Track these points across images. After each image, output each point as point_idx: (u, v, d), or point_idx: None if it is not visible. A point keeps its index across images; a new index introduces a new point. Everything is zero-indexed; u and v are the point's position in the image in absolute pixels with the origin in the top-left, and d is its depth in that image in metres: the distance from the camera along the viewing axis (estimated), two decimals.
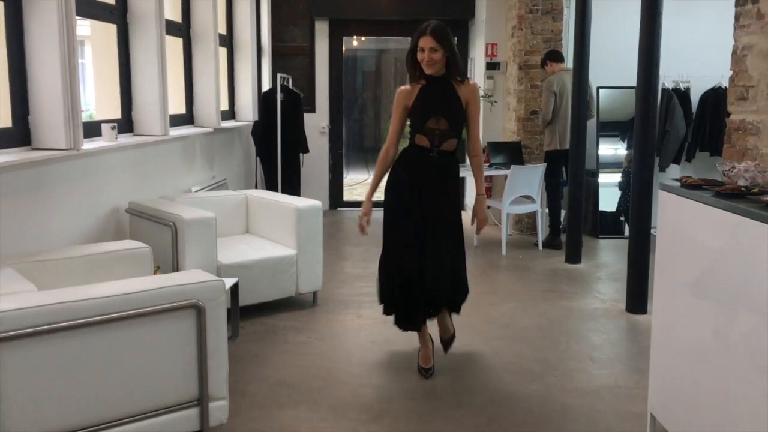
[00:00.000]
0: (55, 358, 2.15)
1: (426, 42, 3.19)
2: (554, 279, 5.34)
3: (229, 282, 3.63)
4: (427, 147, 3.31)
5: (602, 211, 6.84)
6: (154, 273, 3.35)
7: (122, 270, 2.96)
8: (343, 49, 8.06)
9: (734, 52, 2.90)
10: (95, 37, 4.39)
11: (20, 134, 3.25)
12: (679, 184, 2.62)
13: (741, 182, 2.51)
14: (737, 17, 2.88)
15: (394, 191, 3.41)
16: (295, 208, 4.35)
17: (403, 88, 3.37)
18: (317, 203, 4.50)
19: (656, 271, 2.75)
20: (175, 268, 3.80)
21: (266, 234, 4.66)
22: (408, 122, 3.42)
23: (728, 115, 2.94)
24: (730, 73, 2.93)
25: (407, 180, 3.36)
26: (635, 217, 4.42)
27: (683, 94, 6.63)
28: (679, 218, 2.53)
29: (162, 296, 2.37)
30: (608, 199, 6.85)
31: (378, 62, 13.33)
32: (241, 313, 3.92)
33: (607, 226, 6.81)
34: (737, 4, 2.88)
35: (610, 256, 6.15)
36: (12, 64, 3.19)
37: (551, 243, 6.27)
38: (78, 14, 3.88)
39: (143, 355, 2.36)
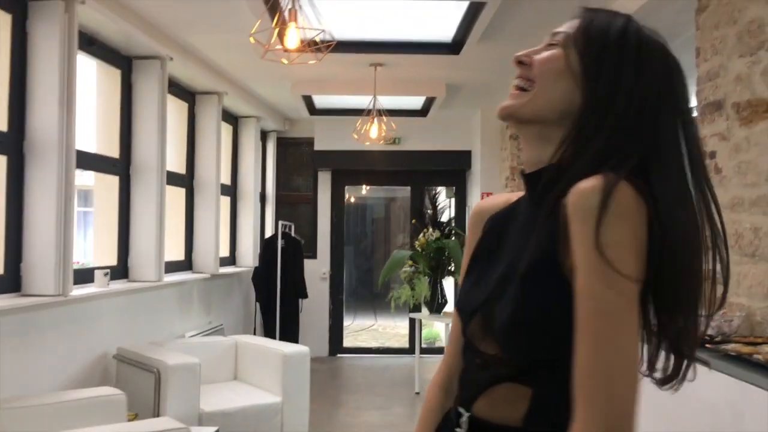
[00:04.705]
0: None
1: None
2: None
3: (208, 431, 3.58)
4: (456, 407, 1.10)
5: None
6: (130, 420, 3.32)
7: (95, 417, 2.94)
8: (352, 198, 8.28)
9: None
10: (98, 188, 4.61)
11: (11, 281, 3.36)
12: None
13: (709, 331, 2.52)
14: None
15: None
16: (281, 353, 4.35)
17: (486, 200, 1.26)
18: (305, 349, 4.50)
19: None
20: (156, 415, 3.76)
21: (254, 381, 4.62)
22: None
23: None
24: None
25: None
26: None
27: None
28: None
29: None
30: None
31: (387, 210, 13.73)
32: None
33: None
34: None
35: None
36: (9, 213, 3.35)
37: None
38: (82, 167, 4.13)
39: None
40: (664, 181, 0.94)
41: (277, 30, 2.66)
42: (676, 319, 0.96)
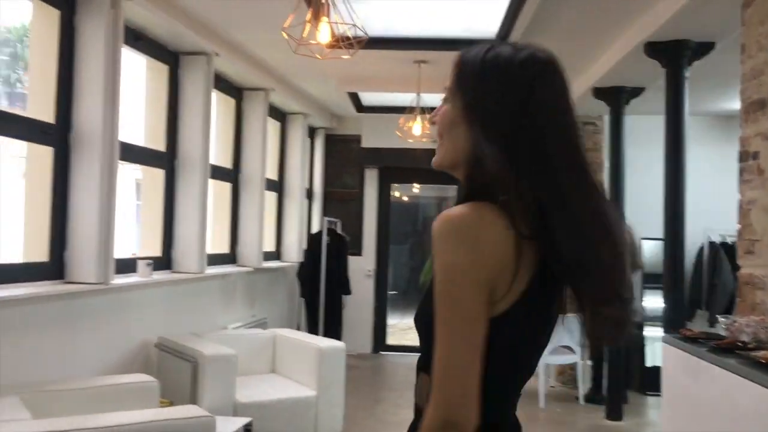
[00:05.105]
0: None
1: None
2: None
3: (240, 421, 3.63)
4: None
5: (650, 367, 6.54)
6: (162, 407, 3.38)
7: (127, 403, 3.01)
8: (405, 197, 8.23)
9: (740, 206, 2.89)
10: (145, 181, 4.73)
11: (55, 268, 3.47)
12: (679, 336, 2.55)
13: (744, 337, 2.43)
14: (741, 172, 2.90)
15: None
16: (317, 348, 4.37)
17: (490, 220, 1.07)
18: (340, 345, 4.51)
19: (664, 427, 2.62)
20: (192, 404, 3.82)
21: (290, 374, 4.66)
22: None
23: (738, 268, 2.89)
24: (738, 226, 2.91)
25: None
26: None
27: (731, 248, 6.49)
28: (679, 371, 2.44)
29: (150, 430, 2.40)
30: (659, 354, 6.56)
31: (439, 209, 13.70)
32: None
33: (656, 382, 6.47)
34: (740, 159, 2.91)
35: (657, 414, 5.81)
36: (55, 203, 3.47)
37: (594, 398, 6.00)
38: (130, 160, 4.24)
39: None
40: (524, 194, 1.04)
41: (309, 24, 2.67)
42: (581, 302, 1.12)
